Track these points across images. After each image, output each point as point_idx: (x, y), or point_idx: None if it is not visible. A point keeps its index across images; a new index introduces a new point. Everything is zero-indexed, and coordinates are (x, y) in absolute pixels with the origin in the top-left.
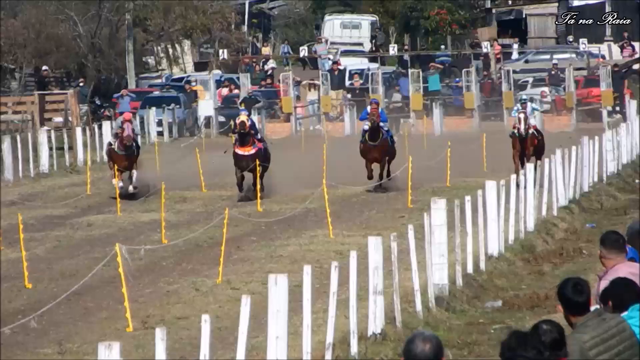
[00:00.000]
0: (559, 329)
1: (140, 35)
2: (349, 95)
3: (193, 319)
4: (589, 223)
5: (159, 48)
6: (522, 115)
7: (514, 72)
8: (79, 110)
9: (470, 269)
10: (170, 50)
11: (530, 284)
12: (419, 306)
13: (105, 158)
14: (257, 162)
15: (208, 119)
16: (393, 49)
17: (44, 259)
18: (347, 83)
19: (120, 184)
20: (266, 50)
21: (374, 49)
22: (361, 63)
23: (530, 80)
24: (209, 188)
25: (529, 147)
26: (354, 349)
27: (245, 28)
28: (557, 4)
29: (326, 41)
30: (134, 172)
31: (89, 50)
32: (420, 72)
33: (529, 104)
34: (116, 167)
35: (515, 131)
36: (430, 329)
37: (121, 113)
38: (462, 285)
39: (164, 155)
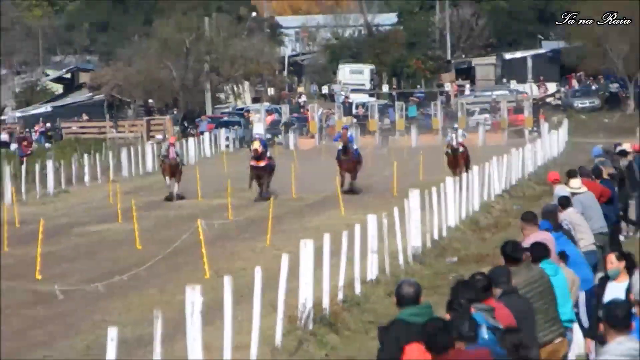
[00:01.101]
0: (488, 278)
1: (214, 78)
2: (354, 120)
3: (249, 271)
4: (515, 205)
5: (227, 87)
6: (454, 135)
7: (467, 103)
8: (173, 130)
9: (436, 236)
10: (235, 89)
11: (477, 246)
12: (401, 261)
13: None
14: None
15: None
16: (385, 88)
17: (149, 230)
18: (354, 112)
19: (173, 187)
20: (300, 89)
21: (372, 87)
22: (363, 98)
23: (477, 109)
24: None
25: (460, 159)
26: (357, 289)
27: (285, 73)
28: (495, 56)
29: (340, 82)
30: (176, 184)
31: (180, 89)
32: (403, 104)
33: (459, 130)
34: (167, 176)
35: (449, 150)
36: (409, 277)
37: (202, 132)
38: (430, 247)
39: (230, 160)
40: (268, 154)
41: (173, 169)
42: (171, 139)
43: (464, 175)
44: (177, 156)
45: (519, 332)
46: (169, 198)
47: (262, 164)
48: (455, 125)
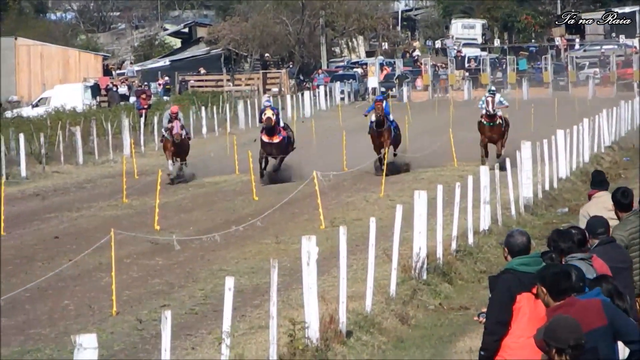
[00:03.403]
0: (583, 233)
1: (329, 32)
2: (467, 74)
3: (364, 221)
4: (625, 157)
5: (342, 41)
6: (489, 99)
7: (576, 57)
8: (289, 83)
9: (547, 187)
10: (349, 43)
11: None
12: (513, 212)
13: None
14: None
15: (374, 89)
16: (496, 42)
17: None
18: (466, 65)
19: (171, 167)
20: (414, 43)
21: (483, 42)
22: (475, 52)
23: (587, 63)
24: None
25: (496, 134)
26: (470, 240)
27: (399, 28)
28: (603, 11)
29: (452, 37)
30: (178, 162)
31: (295, 43)
32: (514, 58)
33: (497, 95)
34: (169, 153)
35: (483, 120)
36: (521, 227)
37: (318, 86)
38: (541, 198)
39: (345, 113)
40: (282, 123)
41: (177, 147)
42: (173, 108)
43: (569, 131)
44: (183, 129)
45: (611, 281)
46: (171, 181)
47: (275, 139)
48: (493, 88)
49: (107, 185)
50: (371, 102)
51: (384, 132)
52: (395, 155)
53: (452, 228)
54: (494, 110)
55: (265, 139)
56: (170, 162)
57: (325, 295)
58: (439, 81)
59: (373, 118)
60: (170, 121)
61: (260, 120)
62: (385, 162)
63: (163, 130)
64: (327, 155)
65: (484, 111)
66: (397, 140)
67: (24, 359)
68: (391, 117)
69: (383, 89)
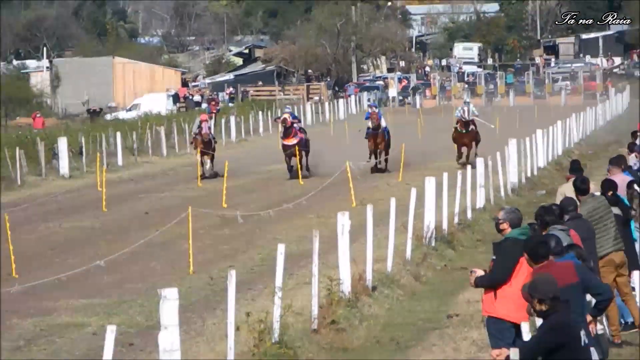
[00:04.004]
0: (561, 208)
1: (359, 53)
2: (466, 85)
3: (386, 200)
4: (590, 150)
5: (368, 60)
6: (465, 108)
7: (552, 73)
8: (327, 93)
9: (529, 174)
10: (374, 62)
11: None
12: (502, 194)
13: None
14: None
15: (393, 98)
16: (489, 61)
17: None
18: (465, 79)
19: (206, 165)
20: (426, 61)
21: (479, 61)
22: (473, 68)
23: (560, 77)
24: None
25: (467, 139)
26: (469, 215)
27: (413, 49)
28: (574, 37)
29: (455, 57)
30: (208, 162)
31: (332, 61)
32: (503, 73)
33: (470, 105)
34: (199, 151)
35: (458, 126)
36: (509, 205)
37: (349, 95)
38: (524, 182)
39: None
40: (297, 126)
41: (206, 145)
42: (202, 116)
43: (546, 130)
44: (210, 132)
45: (580, 248)
46: (203, 175)
47: (292, 141)
48: (467, 100)
49: (185, 173)
50: (369, 110)
51: (378, 135)
52: (386, 159)
53: (455, 206)
54: (469, 117)
55: (284, 142)
56: (199, 157)
57: (356, 258)
58: (445, 92)
59: (370, 124)
60: (199, 126)
61: (278, 121)
62: (380, 159)
63: (193, 133)
64: (357, 149)
65: (459, 115)
66: (387, 144)
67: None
68: (384, 124)
69: (400, 98)
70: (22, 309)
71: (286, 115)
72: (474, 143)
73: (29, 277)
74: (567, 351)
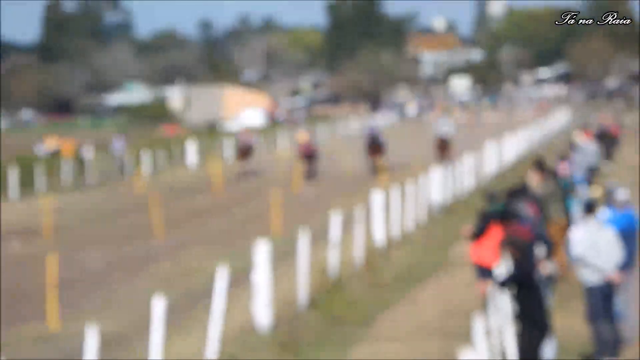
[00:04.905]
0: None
1: (386, 85)
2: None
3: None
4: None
5: (392, 90)
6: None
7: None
8: (366, 110)
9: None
10: (396, 91)
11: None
12: (488, 176)
13: None
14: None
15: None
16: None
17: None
18: (459, 101)
19: (244, 166)
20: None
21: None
22: (465, 95)
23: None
24: None
25: (444, 147)
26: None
27: (424, 82)
28: (538, 69)
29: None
30: (246, 164)
31: (368, 90)
32: (487, 98)
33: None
34: (239, 154)
35: (440, 137)
36: (490, 187)
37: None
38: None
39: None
40: (312, 143)
41: (243, 151)
42: (242, 131)
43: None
44: (250, 140)
45: (535, 217)
46: (240, 174)
47: (308, 153)
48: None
49: (276, 167)
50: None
51: (376, 146)
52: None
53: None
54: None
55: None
56: (239, 160)
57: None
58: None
59: (367, 131)
60: (241, 134)
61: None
62: (378, 165)
63: (236, 140)
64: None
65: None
66: (382, 151)
67: None
68: (381, 139)
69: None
70: None
71: (304, 135)
72: (449, 151)
73: None
74: (529, 282)
